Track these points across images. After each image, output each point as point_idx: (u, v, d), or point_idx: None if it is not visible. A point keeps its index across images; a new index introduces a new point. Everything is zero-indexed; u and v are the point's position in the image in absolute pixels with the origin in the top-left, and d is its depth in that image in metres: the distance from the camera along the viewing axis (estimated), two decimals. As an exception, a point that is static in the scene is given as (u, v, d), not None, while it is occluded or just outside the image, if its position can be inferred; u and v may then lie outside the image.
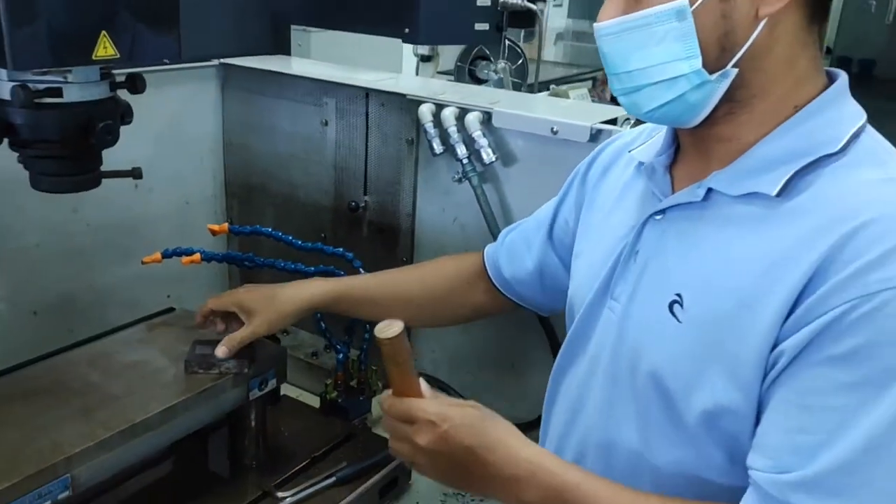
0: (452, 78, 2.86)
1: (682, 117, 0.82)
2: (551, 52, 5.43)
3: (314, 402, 1.52)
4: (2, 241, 1.41)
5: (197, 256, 1.37)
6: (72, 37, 0.87)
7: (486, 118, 1.38)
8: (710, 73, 0.77)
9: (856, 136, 0.80)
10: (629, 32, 0.78)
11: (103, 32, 0.89)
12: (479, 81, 2.84)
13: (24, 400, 1.10)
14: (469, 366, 1.54)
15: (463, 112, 1.40)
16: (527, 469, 0.84)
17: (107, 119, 0.96)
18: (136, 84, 1.03)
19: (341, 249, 1.42)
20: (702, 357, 0.80)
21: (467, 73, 2.89)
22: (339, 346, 1.48)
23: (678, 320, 0.83)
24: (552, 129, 1.30)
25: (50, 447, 0.98)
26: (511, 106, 1.40)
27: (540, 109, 1.42)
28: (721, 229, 0.82)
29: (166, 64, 1.28)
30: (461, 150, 1.38)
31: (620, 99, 0.85)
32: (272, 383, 1.26)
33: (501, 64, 2.64)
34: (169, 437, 1.11)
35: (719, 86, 0.78)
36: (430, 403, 0.87)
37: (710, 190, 0.84)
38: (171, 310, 1.41)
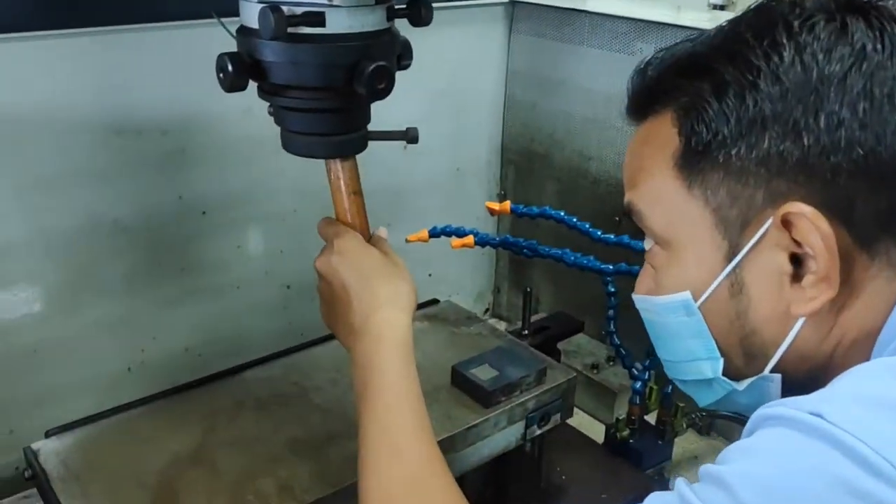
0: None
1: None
2: None
3: (593, 429, 1.23)
4: (259, 206, 1.28)
5: (470, 239, 1.11)
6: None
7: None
8: (739, 378, 0.64)
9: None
10: (652, 316, 0.67)
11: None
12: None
13: (260, 409, 0.92)
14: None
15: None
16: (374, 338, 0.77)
17: (380, 60, 0.70)
18: (420, 13, 0.76)
19: (649, 245, 1.07)
20: None
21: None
22: (636, 372, 1.13)
23: None
24: None
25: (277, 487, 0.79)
26: None
27: None
28: None
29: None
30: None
31: None
32: (555, 419, 0.97)
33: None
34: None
35: (766, 390, 0.64)
36: (347, 232, 0.83)
37: None
38: (436, 301, 1.17)
